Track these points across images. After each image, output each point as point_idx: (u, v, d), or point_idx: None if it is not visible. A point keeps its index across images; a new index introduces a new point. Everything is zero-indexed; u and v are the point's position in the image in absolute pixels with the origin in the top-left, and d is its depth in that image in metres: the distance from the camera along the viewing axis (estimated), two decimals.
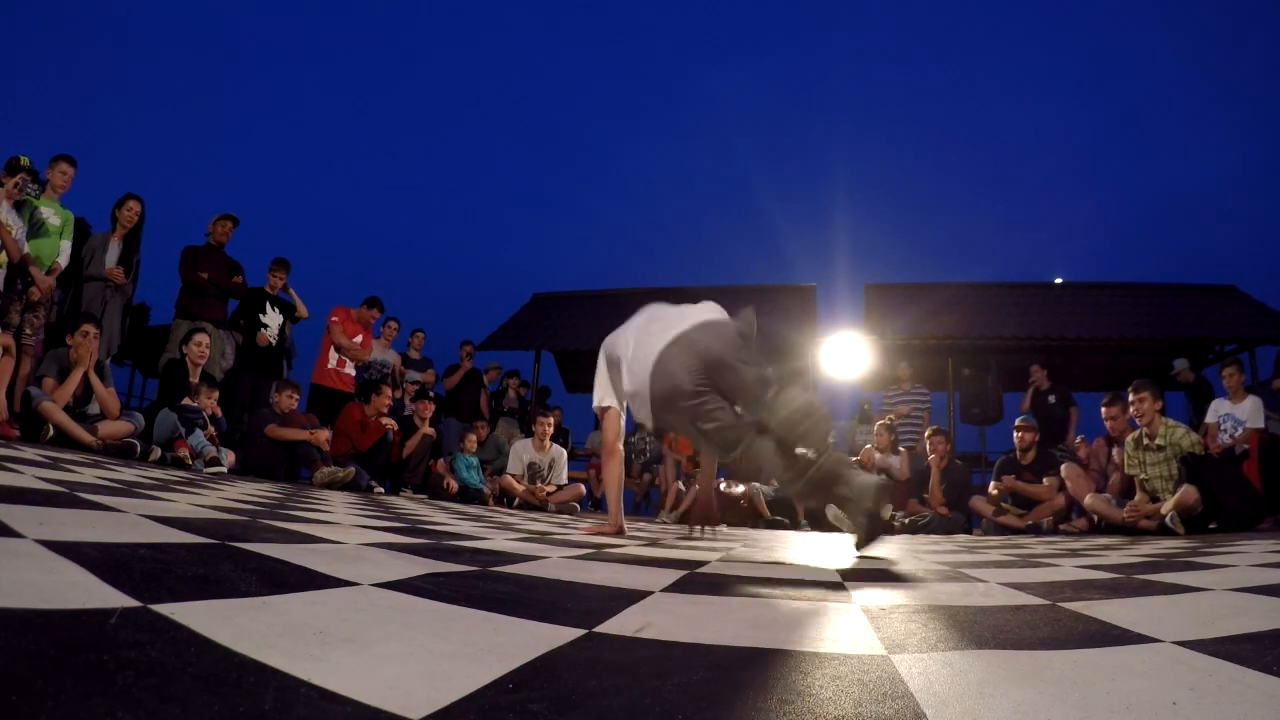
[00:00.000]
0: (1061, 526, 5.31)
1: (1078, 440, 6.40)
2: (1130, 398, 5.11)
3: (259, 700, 0.46)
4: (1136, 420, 5.01)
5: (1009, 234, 53.38)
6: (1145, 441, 4.39)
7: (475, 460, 6.72)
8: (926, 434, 6.31)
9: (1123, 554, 2.30)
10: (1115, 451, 5.11)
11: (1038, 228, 53.31)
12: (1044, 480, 5.48)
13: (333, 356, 6.82)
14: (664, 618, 0.90)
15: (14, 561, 0.76)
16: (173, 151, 53.18)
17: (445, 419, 7.74)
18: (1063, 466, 5.30)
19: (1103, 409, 5.41)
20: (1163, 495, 4.23)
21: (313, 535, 1.47)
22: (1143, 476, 4.39)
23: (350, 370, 6.89)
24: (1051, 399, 7.17)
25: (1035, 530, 5.34)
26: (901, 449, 6.65)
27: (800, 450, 2.12)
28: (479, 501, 6.18)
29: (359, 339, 6.95)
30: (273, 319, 6.40)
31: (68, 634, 0.53)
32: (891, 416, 7.22)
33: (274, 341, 6.43)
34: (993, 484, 5.82)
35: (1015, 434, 5.88)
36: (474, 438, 6.84)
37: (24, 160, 4.70)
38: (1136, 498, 4.41)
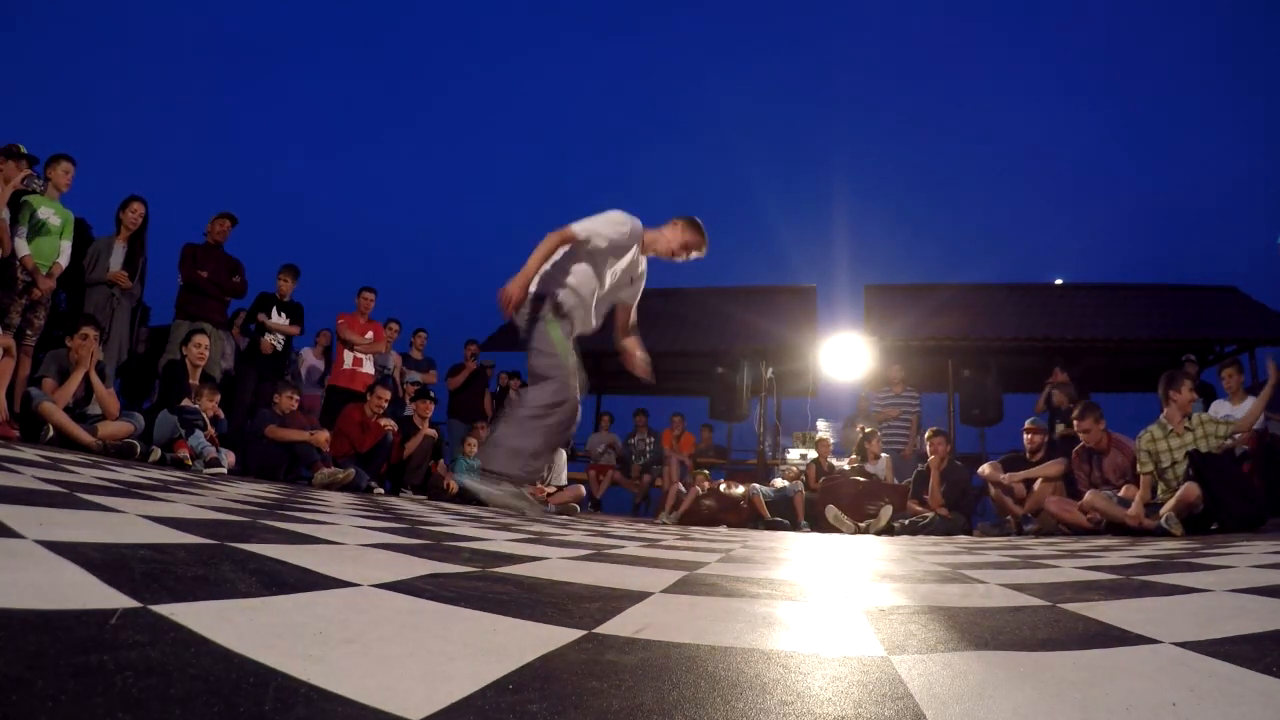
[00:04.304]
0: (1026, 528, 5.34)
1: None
2: (1077, 425, 5.08)
3: (259, 700, 0.46)
4: (1082, 439, 5.01)
5: (1009, 235, 53.45)
6: (1170, 428, 4.35)
7: (477, 463, 6.72)
8: (927, 435, 6.31)
9: (1122, 555, 2.30)
10: (1107, 463, 5.04)
11: (1038, 229, 53.37)
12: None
13: (348, 357, 6.86)
14: (664, 618, 0.90)
15: (14, 561, 0.76)
16: (173, 151, 53.23)
17: (449, 419, 7.75)
18: (1050, 500, 5.14)
19: (1075, 422, 5.18)
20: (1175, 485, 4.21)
21: (312, 536, 1.47)
22: (1165, 465, 4.34)
23: (368, 368, 6.94)
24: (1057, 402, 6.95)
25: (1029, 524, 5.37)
26: (884, 455, 6.66)
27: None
28: (478, 502, 6.17)
29: (369, 335, 7.00)
30: (279, 323, 6.44)
31: (67, 634, 0.53)
32: (862, 428, 7.18)
33: (278, 347, 6.46)
34: (994, 467, 5.86)
35: (1025, 436, 5.87)
36: (474, 440, 6.84)
37: (21, 149, 4.66)
38: (1140, 494, 4.36)
